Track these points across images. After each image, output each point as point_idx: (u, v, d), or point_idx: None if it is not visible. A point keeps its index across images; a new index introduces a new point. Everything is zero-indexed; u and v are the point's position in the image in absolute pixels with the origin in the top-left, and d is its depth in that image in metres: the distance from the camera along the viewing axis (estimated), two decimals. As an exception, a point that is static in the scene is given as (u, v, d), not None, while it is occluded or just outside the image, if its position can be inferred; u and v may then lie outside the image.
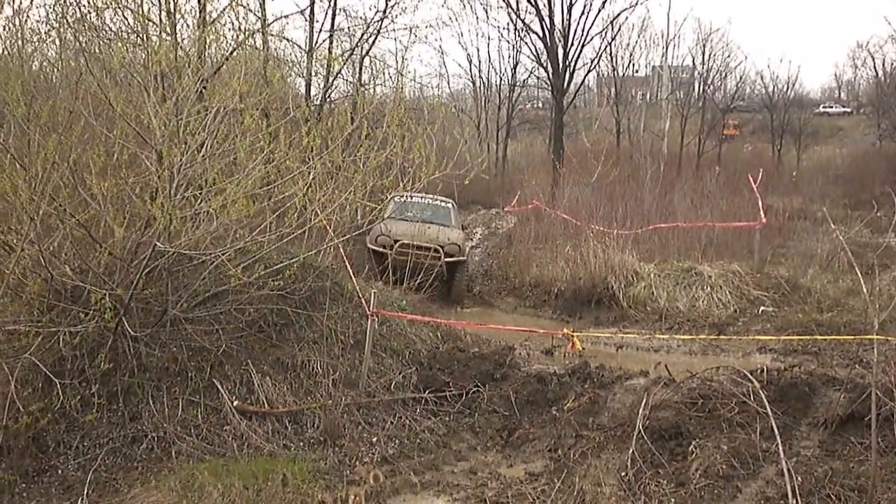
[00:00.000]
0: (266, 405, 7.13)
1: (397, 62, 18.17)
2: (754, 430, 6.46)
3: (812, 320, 11.21)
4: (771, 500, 5.62)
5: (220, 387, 7.06)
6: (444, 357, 8.74)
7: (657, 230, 15.48)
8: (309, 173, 7.65)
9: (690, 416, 6.85)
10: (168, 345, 7.17)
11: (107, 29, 9.21)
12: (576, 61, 22.78)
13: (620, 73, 34.41)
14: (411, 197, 14.67)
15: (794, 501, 5.32)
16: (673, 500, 5.69)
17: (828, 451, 6.37)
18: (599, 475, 6.01)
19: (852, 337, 8.90)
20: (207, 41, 8.93)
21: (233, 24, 10.78)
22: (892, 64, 44.84)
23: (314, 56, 15.21)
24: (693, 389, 7.23)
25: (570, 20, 21.96)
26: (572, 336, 8.24)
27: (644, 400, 6.97)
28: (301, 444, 6.88)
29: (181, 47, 8.92)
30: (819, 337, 9.09)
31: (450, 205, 16.02)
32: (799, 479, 5.68)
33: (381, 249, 14.00)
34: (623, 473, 6.08)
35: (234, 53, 9.52)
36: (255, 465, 6.23)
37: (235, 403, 6.97)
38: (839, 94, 70.34)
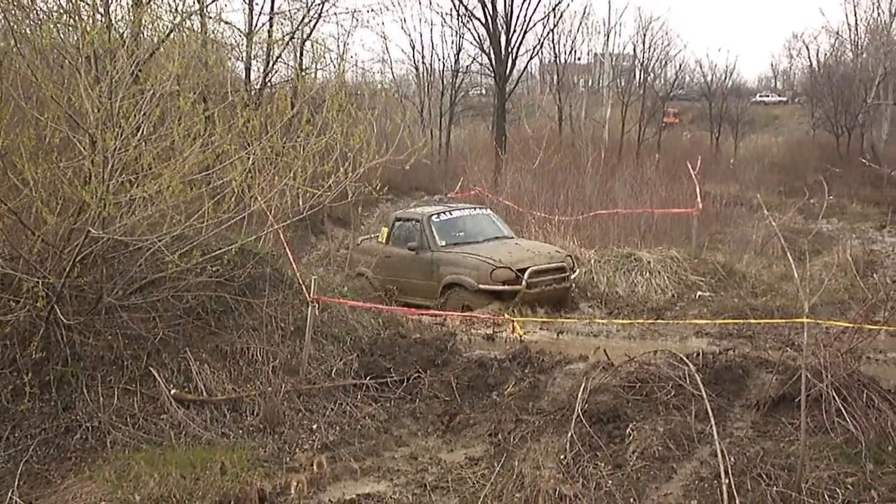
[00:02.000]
0: (204, 393, 7.06)
1: (339, 47, 18.02)
2: (690, 413, 6.58)
3: (747, 304, 11.47)
4: (705, 479, 5.73)
5: (157, 375, 6.97)
6: (386, 343, 8.73)
7: (598, 216, 15.66)
8: (248, 158, 7.57)
9: (628, 399, 6.96)
10: (103, 333, 7.04)
11: (37, 9, 8.97)
12: (518, 48, 22.94)
13: (562, 61, 34.61)
14: (449, 213, 12.93)
15: (727, 481, 5.42)
16: (610, 481, 5.76)
17: (760, 432, 6.51)
18: (539, 458, 6.04)
19: (784, 320, 9.10)
20: (143, 22, 8.75)
21: (169, 5, 10.59)
22: (825, 54, 45.98)
23: (254, 39, 15.00)
24: (631, 373, 7.34)
25: (512, 7, 22.09)
26: (513, 321, 8.29)
27: (583, 384, 7.05)
28: (240, 431, 6.83)
29: (115, 28, 8.71)
30: (753, 321, 9.28)
31: (487, 210, 14.12)
32: (732, 459, 5.79)
33: (502, 288, 11.23)
34: (562, 456, 6.12)
35: (171, 36, 9.34)
36: (192, 454, 6.16)
37: (173, 392, 6.88)
38: (775, 83, 71.77)
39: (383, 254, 12.88)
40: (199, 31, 12.23)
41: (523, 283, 11.21)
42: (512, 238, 12.96)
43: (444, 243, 12.18)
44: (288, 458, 6.38)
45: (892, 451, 5.71)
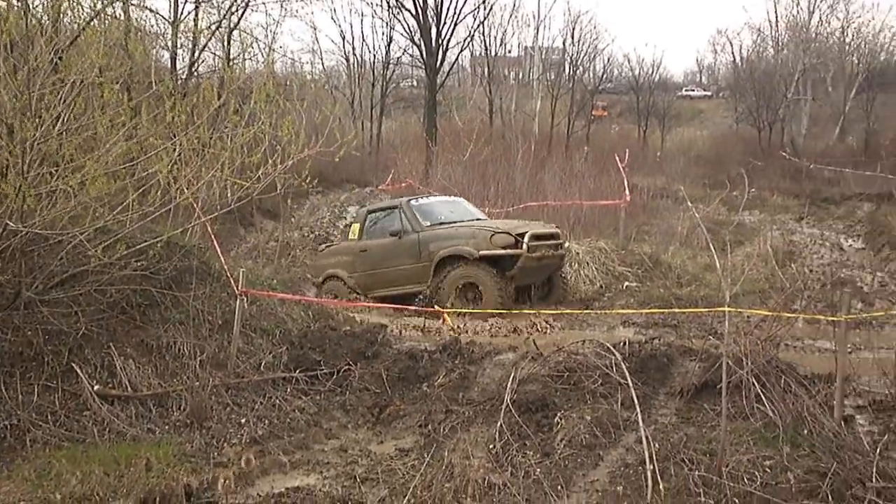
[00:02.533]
0: (129, 388, 6.92)
1: (268, 37, 17.75)
2: (616, 401, 6.72)
3: (672, 294, 11.74)
4: (630, 466, 5.85)
5: (79, 371, 6.79)
6: (316, 336, 8.69)
7: (528, 208, 15.80)
8: (174, 150, 7.43)
9: (556, 388, 7.07)
10: (22, 329, 6.83)
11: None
12: (448, 40, 22.98)
13: (493, 53, 34.79)
14: (426, 198, 13.19)
15: (652, 467, 5.55)
16: (538, 470, 5.84)
17: (683, 418, 6.68)
18: (468, 448, 6.10)
19: (707, 309, 9.36)
20: (62, 9, 8.50)
21: (90, -10, 10.28)
22: (748, 50, 47.18)
23: (179, 28, 14.69)
24: (559, 363, 7.46)
25: (442, -2, 22.09)
26: (443, 313, 8.33)
27: (512, 374, 7.13)
28: (166, 427, 6.71)
29: (33, 15, 8.44)
30: (677, 310, 9.52)
31: (460, 198, 14.15)
32: (656, 445, 5.93)
33: (504, 252, 10.85)
34: (491, 446, 6.19)
35: (92, 23, 9.09)
36: (116, 451, 6.04)
37: (96, 388, 6.73)
38: (701, 78, 73.34)
39: (357, 249, 12.46)
40: (122, 18, 11.95)
41: (524, 246, 10.84)
42: (490, 220, 12.90)
43: (427, 223, 11.84)
44: (215, 453, 6.29)
45: (808, 435, 5.90)
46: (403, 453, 6.38)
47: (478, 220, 12.47)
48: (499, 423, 6.42)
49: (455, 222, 11.98)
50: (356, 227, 12.80)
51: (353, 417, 7.25)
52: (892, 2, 72.98)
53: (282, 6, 19.15)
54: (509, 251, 10.84)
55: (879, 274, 13.36)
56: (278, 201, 14.39)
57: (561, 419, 6.54)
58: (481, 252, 10.77)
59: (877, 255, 15.06)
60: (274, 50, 15.34)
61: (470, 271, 10.85)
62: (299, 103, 8.43)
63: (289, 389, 7.63)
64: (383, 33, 34.09)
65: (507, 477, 5.74)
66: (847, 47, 42.55)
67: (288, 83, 11.97)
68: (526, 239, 10.89)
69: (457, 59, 28.90)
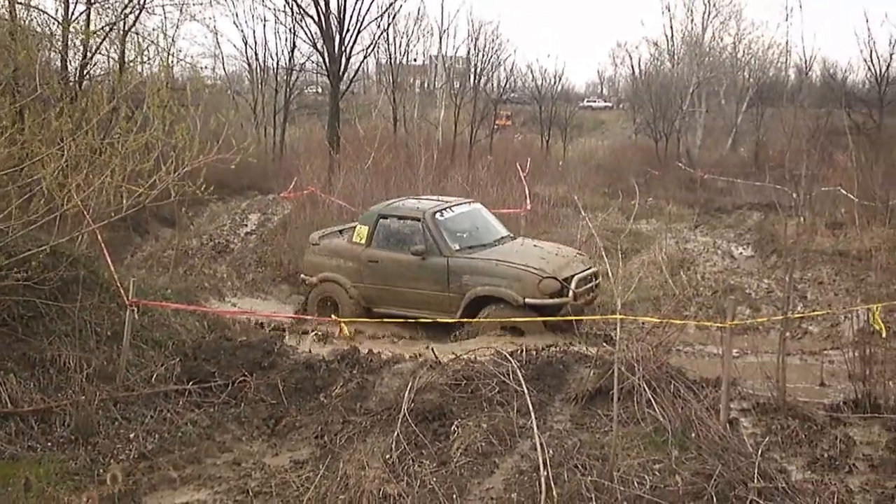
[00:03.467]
0: (9, 404, 6.61)
1: (165, 40, 17.26)
2: (512, 408, 6.80)
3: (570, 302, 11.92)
4: (525, 472, 5.91)
5: (-46, 387, 6.47)
6: (211, 347, 8.50)
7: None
8: (61, 155, 7.19)
9: (454, 396, 7.10)
10: None
11: None
12: (352, 47, 22.82)
13: (398, 62, 34.77)
14: (450, 210, 11.28)
15: (545, 473, 5.62)
16: (434, 479, 5.84)
17: (577, 424, 6.79)
18: (364, 459, 6.05)
19: (600, 317, 9.55)
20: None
21: (-29, -11, 9.86)
22: (646, 63, 48.53)
23: (70, 29, 14.15)
24: (458, 371, 7.50)
25: (345, 5, 21.94)
26: (340, 322, 8.27)
27: (410, 383, 7.13)
28: (49, 444, 6.43)
29: None
30: (571, 317, 9.67)
31: (477, 203, 12.71)
32: (550, 451, 6.03)
33: (551, 301, 9.89)
34: (387, 456, 6.16)
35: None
36: (-7, 471, 5.77)
37: (-28, 404, 6.41)
38: (602, 89, 75.28)
39: (366, 259, 11.05)
40: (7, 18, 11.44)
41: (571, 294, 9.91)
42: (513, 236, 11.91)
43: (456, 247, 10.64)
44: (101, 470, 6.06)
45: (695, 438, 6.09)
46: (298, 465, 6.28)
47: (504, 239, 11.44)
48: (395, 433, 6.41)
49: (485, 246, 10.90)
50: (364, 230, 11.21)
51: (248, 430, 7.08)
52: (780, 20, 75.96)
53: (180, 9, 18.61)
54: (555, 301, 9.92)
55: (766, 281, 13.88)
56: (175, 209, 13.97)
57: (458, 427, 6.56)
58: (526, 300, 9.78)
59: (765, 263, 15.61)
60: (172, 54, 14.85)
61: (509, 314, 9.76)
62: (194, 109, 8.26)
63: (181, 402, 7.41)
64: (286, 39, 33.46)
65: (402, 487, 5.71)
66: (738, 62, 44.21)
67: (185, 88, 11.69)
68: (573, 285, 10.05)
69: (360, 66, 28.67)
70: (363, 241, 11.13)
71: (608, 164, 35.13)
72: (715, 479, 5.41)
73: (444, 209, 11.18)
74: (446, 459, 6.14)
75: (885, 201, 14.67)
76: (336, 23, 22.05)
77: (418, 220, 10.85)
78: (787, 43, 49.27)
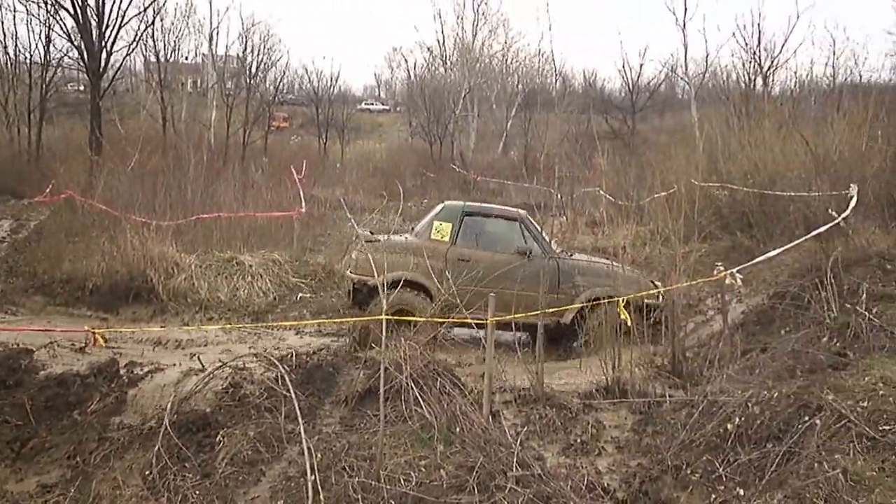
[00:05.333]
0: None
1: None
2: (281, 414, 6.68)
3: (345, 304, 11.93)
4: (292, 479, 5.83)
5: None
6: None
7: (200, 220, 15.28)
8: None
9: (221, 405, 6.89)
10: None
11: None
12: (113, 42, 21.59)
13: (166, 59, 33.35)
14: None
15: (313, 477, 5.58)
16: (197, 492, 5.65)
17: (347, 426, 6.78)
18: (120, 478, 5.74)
19: (366, 318, 9.55)
20: None
21: None
22: (421, 68, 49.65)
23: None
24: (225, 378, 7.29)
25: (104, -1, 20.75)
26: (94, 333, 7.76)
27: (173, 394, 6.85)
28: None
29: None
30: (338, 320, 9.70)
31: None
32: (318, 455, 5.97)
33: (655, 303, 8.99)
34: (147, 472, 5.88)
35: None
36: None
37: None
38: (379, 92, 76.05)
39: (455, 257, 9.98)
40: None
41: (660, 297, 8.99)
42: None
43: (559, 249, 10.21)
44: None
45: (460, 433, 6.26)
46: (46, 489, 5.86)
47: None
48: (156, 447, 6.12)
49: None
50: (447, 226, 10.27)
51: (-11, 455, 6.50)
52: (543, 30, 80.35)
53: None
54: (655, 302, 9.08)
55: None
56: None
57: (223, 437, 6.38)
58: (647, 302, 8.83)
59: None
60: None
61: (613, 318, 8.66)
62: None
63: None
64: (41, 32, 31.07)
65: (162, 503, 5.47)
66: (508, 69, 46.26)
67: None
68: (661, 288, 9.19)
69: (122, 63, 27.09)
70: (446, 238, 10.25)
71: (385, 167, 35.56)
72: (477, 471, 5.59)
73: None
74: (210, 471, 5.95)
75: (637, 201, 15.78)
76: (95, 16, 20.80)
77: (514, 219, 10.40)
78: (551, 52, 52.07)
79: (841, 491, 4.83)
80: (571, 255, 10.68)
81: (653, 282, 9.70)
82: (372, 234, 10.90)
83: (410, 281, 9.75)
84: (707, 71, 31.23)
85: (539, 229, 10.43)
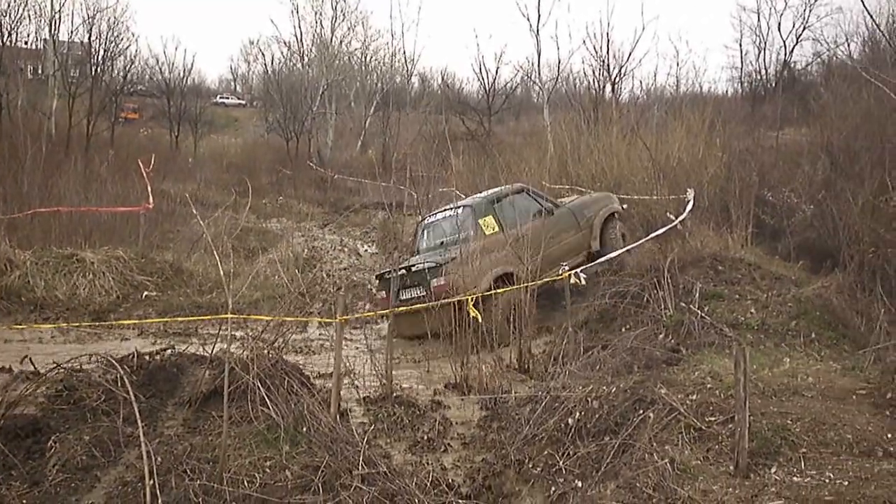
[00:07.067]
0: None
1: None
2: (119, 417, 6.41)
3: (193, 302, 11.61)
4: (129, 484, 5.63)
5: None
6: None
7: (38, 215, 14.47)
8: None
9: (54, 409, 6.58)
10: None
11: None
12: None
13: (2, 43, 31.33)
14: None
15: (152, 481, 5.38)
16: (24, 501, 5.35)
17: (190, 428, 6.60)
18: (-64, 490, 5.36)
19: (210, 317, 9.39)
20: None
21: None
22: (278, 62, 48.82)
23: None
24: (59, 381, 6.94)
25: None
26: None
27: (0, 398, 6.45)
28: None
29: None
30: (180, 318, 9.43)
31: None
32: (159, 459, 5.79)
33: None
34: (-32, 483, 5.52)
35: None
36: None
37: None
38: (235, 86, 74.15)
39: (514, 240, 10.12)
40: None
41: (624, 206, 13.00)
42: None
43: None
44: None
45: (306, 433, 6.19)
46: None
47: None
48: (-20, 455, 5.75)
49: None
50: (490, 220, 11.05)
51: None
52: (397, 30, 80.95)
53: None
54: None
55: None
56: None
57: (55, 443, 6.08)
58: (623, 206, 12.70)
59: (388, 259, 16.41)
60: None
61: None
62: None
63: None
64: None
65: (-15, 515, 5.15)
66: (367, 67, 46.08)
67: None
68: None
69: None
70: (495, 230, 10.98)
71: (240, 162, 34.72)
72: (322, 471, 5.57)
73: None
74: (40, 479, 5.65)
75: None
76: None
77: (521, 190, 11.88)
78: (414, 52, 52.32)
79: (668, 479, 5.08)
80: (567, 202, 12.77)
81: (619, 197, 13.02)
82: (451, 251, 10.62)
83: (503, 274, 10.27)
84: (559, 76, 32.10)
85: (539, 191, 12.35)
